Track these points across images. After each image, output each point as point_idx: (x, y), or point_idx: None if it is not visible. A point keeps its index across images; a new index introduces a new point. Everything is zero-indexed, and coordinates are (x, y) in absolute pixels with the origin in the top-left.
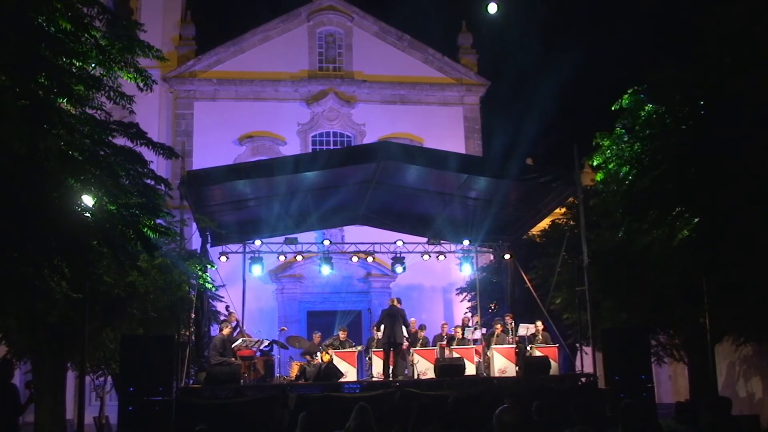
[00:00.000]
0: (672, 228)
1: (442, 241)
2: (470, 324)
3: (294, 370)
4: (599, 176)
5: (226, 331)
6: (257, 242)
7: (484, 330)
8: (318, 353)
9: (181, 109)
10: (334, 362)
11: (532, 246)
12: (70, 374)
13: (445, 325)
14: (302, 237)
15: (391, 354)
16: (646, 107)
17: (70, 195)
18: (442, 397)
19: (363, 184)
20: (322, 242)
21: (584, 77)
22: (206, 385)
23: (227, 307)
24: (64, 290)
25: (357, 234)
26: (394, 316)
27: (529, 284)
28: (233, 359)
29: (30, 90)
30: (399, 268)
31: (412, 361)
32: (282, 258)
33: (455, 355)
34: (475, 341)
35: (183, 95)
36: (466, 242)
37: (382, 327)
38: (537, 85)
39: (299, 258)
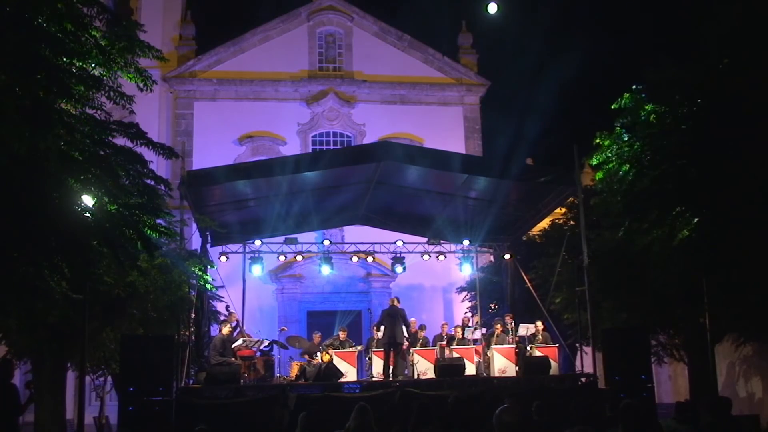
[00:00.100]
0: (672, 228)
1: (442, 241)
2: (470, 324)
3: (294, 370)
4: (599, 175)
5: (226, 331)
6: (257, 242)
7: (484, 330)
8: (318, 353)
9: (181, 109)
10: (334, 362)
11: (532, 246)
12: (70, 374)
13: (445, 325)
14: (302, 237)
15: (392, 354)
16: (646, 107)
17: (70, 195)
18: (442, 397)
19: (363, 184)
20: (322, 242)
21: (584, 77)
22: (206, 385)
23: (227, 307)
24: (64, 290)
25: (357, 234)
26: (394, 316)
27: (529, 284)
28: (233, 359)
29: (30, 90)
30: (399, 268)
31: (412, 361)
32: (282, 258)
33: (455, 355)
34: (475, 341)
35: (183, 95)
36: (466, 242)
37: (383, 327)
38: (537, 85)
39: (299, 258)
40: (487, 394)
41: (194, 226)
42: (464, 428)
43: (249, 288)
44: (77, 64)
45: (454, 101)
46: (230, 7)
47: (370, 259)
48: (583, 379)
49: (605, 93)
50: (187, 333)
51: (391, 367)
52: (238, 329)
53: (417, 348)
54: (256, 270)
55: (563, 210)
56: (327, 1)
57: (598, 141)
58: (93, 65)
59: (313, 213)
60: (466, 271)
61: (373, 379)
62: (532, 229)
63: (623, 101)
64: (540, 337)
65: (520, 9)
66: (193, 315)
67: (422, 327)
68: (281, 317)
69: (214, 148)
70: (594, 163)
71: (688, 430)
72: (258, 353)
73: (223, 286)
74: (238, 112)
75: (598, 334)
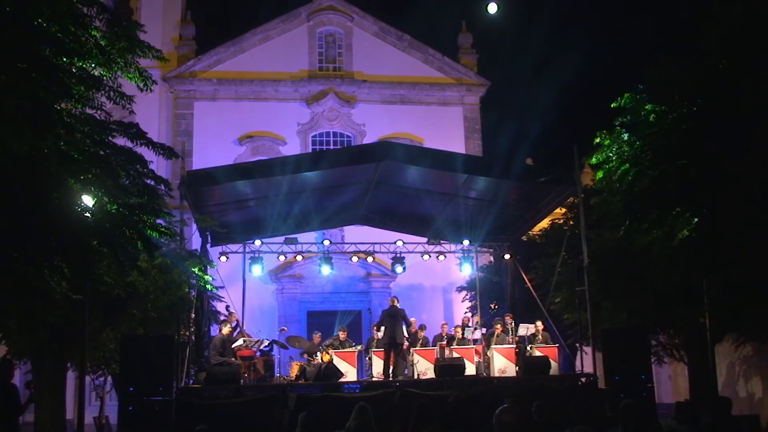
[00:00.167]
0: (672, 228)
1: (442, 241)
2: (470, 324)
3: (294, 370)
4: (600, 174)
5: (226, 331)
6: (257, 242)
7: (484, 330)
8: (318, 353)
9: (181, 109)
10: (334, 362)
11: (532, 246)
12: (70, 374)
13: (445, 325)
14: (302, 237)
15: (392, 354)
16: (646, 106)
17: (70, 195)
18: (442, 397)
19: (363, 184)
20: (322, 242)
21: (584, 77)
22: (206, 385)
23: (227, 307)
24: (64, 290)
25: (357, 234)
26: (394, 316)
27: (529, 284)
28: (233, 359)
29: (30, 90)
30: (399, 268)
31: (412, 361)
32: (282, 258)
33: (455, 355)
34: (475, 341)
35: (183, 95)
36: (466, 242)
37: (383, 327)
38: (537, 85)
39: (299, 258)
40: (487, 394)
41: (194, 226)
42: (464, 428)
43: (249, 288)
44: (77, 64)
45: (454, 101)
46: (230, 7)
47: (370, 259)
48: (583, 379)
49: (605, 93)
50: (187, 333)
51: (391, 367)
52: (238, 329)
53: (417, 348)
54: (256, 270)
55: (563, 210)
56: (327, 1)
57: (598, 140)
58: (93, 65)
59: (313, 213)
60: (466, 271)
61: (373, 379)
62: (532, 229)
63: (623, 101)
64: (540, 337)
65: (520, 9)
66: (193, 315)
67: (422, 327)
68: (281, 317)
69: (214, 148)
70: (594, 163)
71: (688, 430)
72: (258, 353)
73: (223, 287)
74: (238, 112)
75: (598, 334)
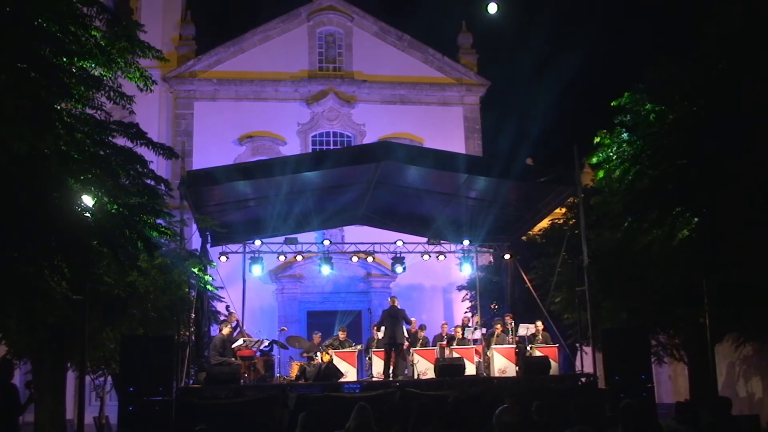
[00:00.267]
0: (672, 228)
1: (442, 241)
2: (470, 324)
3: (294, 370)
4: (601, 174)
5: (226, 331)
6: (257, 242)
7: (484, 330)
8: (318, 353)
9: (181, 109)
10: (334, 362)
11: (532, 246)
12: (70, 374)
13: (445, 325)
14: (302, 237)
15: (392, 354)
16: (646, 106)
17: (70, 195)
18: (442, 397)
19: (363, 184)
20: (322, 242)
21: (584, 77)
22: (206, 385)
23: (227, 307)
24: (64, 290)
25: (357, 234)
26: (395, 316)
27: (529, 284)
28: (233, 359)
29: (30, 90)
30: (399, 268)
31: (412, 361)
32: (282, 258)
33: (455, 355)
34: (475, 341)
35: (183, 95)
36: (466, 242)
37: (383, 327)
38: (537, 85)
39: (299, 258)
40: (487, 394)
41: (194, 226)
42: (464, 428)
43: (249, 288)
44: (77, 64)
45: (454, 101)
46: (230, 7)
47: (370, 259)
48: (583, 379)
49: (605, 93)
50: (187, 333)
51: (391, 368)
52: (238, 329)
53: (417, 348)
54: (256, 270)
55: (563, 210)
56: (327, 1)
57: (598, 140)
58: (93, 65)
59: (313, 213)
60: (466, 271)
61: (373, 379)
62: (532, 229)
63: (623, 100)
64: (540, 337)
65: (520, 9)
66: (193, 315)
67: (422, 327)
68: (281, 317)
69: (214, 148)
70: (594, 162)
71: (688, 430)
72: (258, 353)
73: (223, 287)
74: (238, 112)
75: (598, 334)
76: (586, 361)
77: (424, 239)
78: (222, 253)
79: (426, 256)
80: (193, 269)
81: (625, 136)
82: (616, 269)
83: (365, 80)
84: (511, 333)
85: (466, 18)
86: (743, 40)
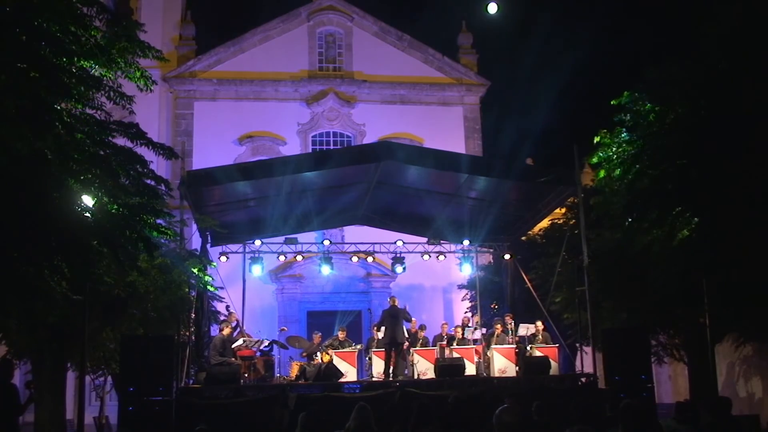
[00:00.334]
0: (672, 228)
1: (442, 241)
2: (470, 324)
3: (294, 370)
4: (602, 173)
5: (226, 331)
6: (257, 242)
7: (484, 330)
8: (318, 353)
9: (181, 109)
10: (334, 362)
11: (532, 246)
12: (70, 374)
13: (445, 325)
14: (302, 237)
15: (393, 354)
16: (646, 106)
17: (70, 195)
18: (442, 397)
19: (363, 184)
20: (322, 242)
21: (584, 77)
22: (206, 385)
23: (227, 307)
24: (64, 290)
25: (357, 234)
26: (395, 316)
27: (529, 284)
28: (233, 359)
29: (30, 90)
30: (399, 268)
31: (412, 361)
32: (282, 258)
33: (455, 355)
34: (475, 341)
35: (183, 95)
36: (466, 242)
37: (383, 327)
38: (537, 84)
39: (299, 258)
40: (487, 394)
41: (194, 226)
42: (464, 428)
43: (249, 288)
44: (77, 64)
45: (454, 101)
46: (230, 7)
47: (370, 259)
48: (583, 379)
49: (605, 93)
50: (187, 333)
51: (391, 367)
52: (238, 329)
53: (417, 348)
54: (256, 270)
55: (563, 210)
56: (327, 1)
57: (598, 140)
58: (93, 65)
59: (313, 213)
60: (466, 271)
61: (373, 379)
62: (532, 229)
63: (622, 99)
64: (540, 337)
65: (520, 9)
66: (193, 315)
67: (422, 327)
68: (281, 317)
69: (214, 148)
70: (594, 162)
71: (688, 430)
72: (258, 353)
73: (223, 287)
74: (238, 112)
75: (598, 334)
76: (586, 361)
77: (424, 239)
78: (222, 253)
79: (426, 256)
80: (193, 269)
81: (624, 135)
82: (616, 269)
83: (365, 80)
84: (511, 333)
85: (466, 18)
86: (743, 40)
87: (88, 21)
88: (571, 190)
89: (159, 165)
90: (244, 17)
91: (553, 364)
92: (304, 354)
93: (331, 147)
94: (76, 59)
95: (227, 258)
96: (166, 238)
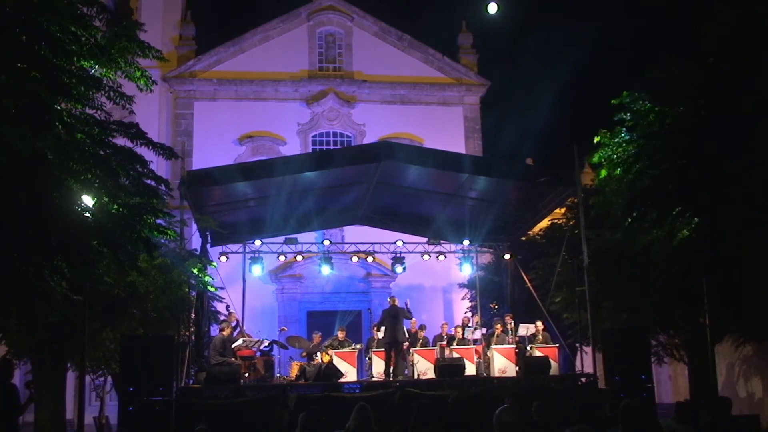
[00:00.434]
0: (672, 228)
1: (442, 241)
2: (470, 324)
3: (294, 370)
4: (603, 172)
5: (226, 332)
6: (257, 242)
7: (484, 330)
8: (318, 353)
9: (181, 109)
10: (334, 362)
11: (532, 246)
12: (70, 374)
13: (445, 325)
14: (302, 237)
15: (393, 353)
16: (645, 106)
17: (70, 195)
18: (442, 397)
19: (363, 184)
20: (322, 242)
21: (584, 77)
22: (206, 385)
23: (227, 307)
24: (64, 290)
25: (357, 234)
26: (395, 316)
27: (529, 284)
28: (233, 359)
29: (30, 90)
30: (399, 268)
31: (412, 361)
32: (282, 258)
33: (455, 355)
34: (475, 341)
35: (183, 95)
36: (466, 242)
37: (383, 327)
38: (537, 84)
39: (299, 258)
40: (487, 394)
41: (194, 226)
42: (464, 428)
43: (249, 288)
44: (77, 64)
45: (454, 101)
46: (230, 7)
47: (370, 259)
48: (583, 379)
49: (605, 93)
50: (187, 333)
51: (392, 367)
52: (238, 329)
53: (417, 348)
54: (256, 270)
55: (563, 210)
56: (327, 1)
57: (598, 139)
58: (93, 65)
59: (313, 213)
60: (466, 271)
61: (373, 379)
62: (532, 229)
63: (622, 100)
64: (540, 337)
65: (520, 9)
66: (193, 315)
67: (422, 327)
68: (281, 317)
69: (214, 148)
70: (595, 161)
71: (688, 430)
72: (258, 353)
73: (223, 287)
74: (238, 112)
75: (598, 334)
76: (586, 361)
77: (424, 239)
78: (222, 253)
79: (426, 256)
80: (193, 269)
81: (624, 135)
82: (616, 269)
83: (365, 80)
84: (511, 333)
85: (466, 18)
86: (743, 40)
87: (88, 21)
88: (571, 190)
89: (159, 165)
90: (244, 17)
91: (553, 364)
92: (304, 354)
93: (331, 147)
94: (76, 59)
95: (227, 258)
96: (166, 238)
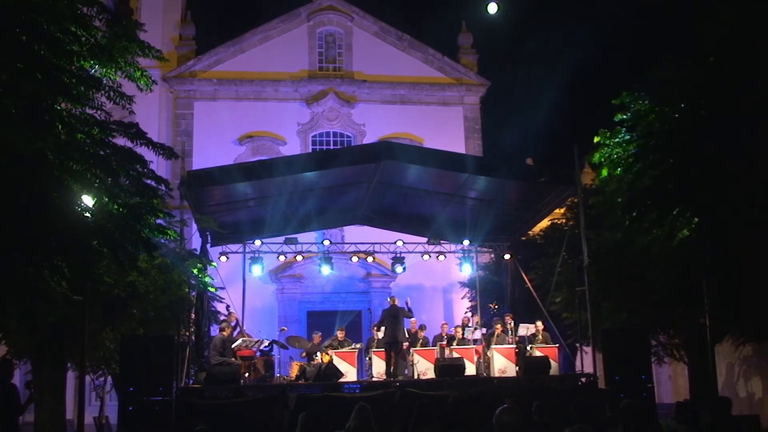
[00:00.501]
0: (672, 228)
1: (442, 241)
2: (470, 324)
3: (294, 370)
4: (605, 172)
5: (226, 332)
6: (257, 242)
7: (484, 330)
8: (318, 353)
9: (181, 109)
10: (334, 362)
11: (532, 246)
12: (70, 374)
13: (445, 325)
14: (302, 237)
15: (393, 353)
16: (644, 106)
17: (70, 195)
18: (442, 397)
19: (363, 184)
20: (322, 242)
21: (584, 77)
22: (206, 385)
23: (227, 307)
24: (64, 290)
25: (357, 234)
26: (395, 316)
27: (529, 284)
28: (233, 359)
29: (30, 90)
30: (399, 268)
31: (412, 361)
32: (282, 258)
33: (455, 355)
34: (475, 341)
35: (183, 95)
36: (466, 242)
37: (383, 327)
38: (537, 84)
39: (299, 258)
40: (487, 394)
41: (194, 226)
42: (464, 428)
43: (249, 288)
44: (77, 64)
45: (454, 101)
46: (230, 7)
47: (370, 259)
48: (583, 379)
49: (605, 93)
50: (187, 333)
51: (392, 367)
52: (238, 329)
53: (417, 348)
54: (256, 270)
55: (563, 210)
56: (327, 1)
57: (598, 139)
58: (94, 65)
59: (313, 213)
60: (466, 271)
61: (373, 379)
62: (532, 229)
63: (623, 100)
64: (540, 337)
65: (520, 9)
66: (193, 315)
67: (422, 327)
68: (281, 317)
69: (214, 148)
70: (595, 161)
71: (688, 430)
72: (258, 353)
73: (223, 287)
74: (238, 112)
75: (598, 334)
76: (586, 361)
77: (424, 239)
78: (222, 253)
79: (426, 256)
80: (193, 269)
81: (624, 135)
82: (616, 269)
83: (365, 80)
84: (511, 333)
85: (466, 18)
86: (743, 40)
87: (88, 21)
88: (571, 190)
89: (159, 165)
90: (244, 17)
91: (553, 364)
92: (304, 354)
93: (331, 147)
94: (76, 59)
95: (227, 258)
96: (166, 238)
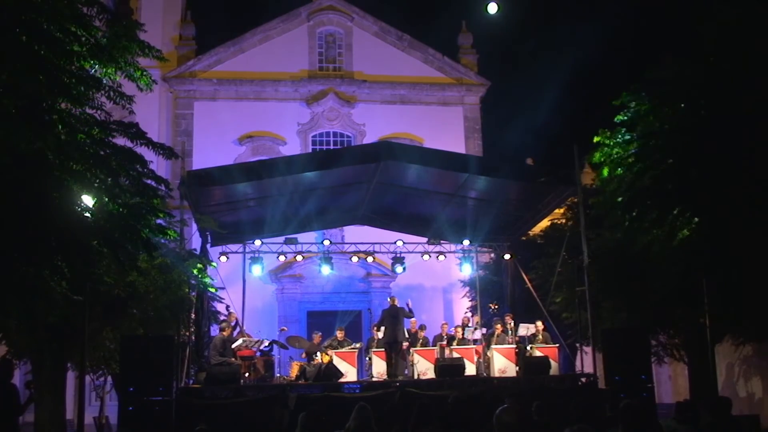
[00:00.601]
0: (672, 228)
1: (442, 241)
2: (470, 324)
3: (294, 370)
4: (605, 171)
5: (226, 332)
6: (257, 242)
7: (484, 330)
8: (318, 353)
9: (181, 109)
10: (334, 362)
11: (532, 246)
12: (70, 374)
13: (445, 325)
14: (302, 237)
15: (393, 354)
16: (644, 106)
17: (70, 195)
18: (442, 397)
19: (363, 184)
20: (322, 242)
21: (585, 77)
22: (206, 385)
23: (227, 307)
24: (64, 290)
25: (357, 234)
26: (395, 316)
27: (529, 284)
28: (233, 359)
29: (30, 90)
30: (399, 268)
31: (412, 361)
32: (282, 258)
33: (455, 355)
34: (475, 341)
35: (183, 95)
36: (466, 242)
37: (383, 327)
38: (537, 85)
39: (299, 258)
40: (487, 394)
41: (194, 226)
42: (464, 428)
43: (249, 288)
44: (77, 64)
45: (454, 101)
46: (230, 7)
47: (370, 259)
48: (583, 379)
49: (606, 93)
50: (187, 333)
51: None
52: (238, 329)
53: (417, 348)
54: (256, 270)
55: (563, 210)
56: (327, 1)
57: (598, 139)
58: (94, 64)
59: (313, 213)
60: (466, 271)
61: (373, 379)
62: (532, 229)
63: (623, 99)
64: (540, 337)
65: (520, 9)
66: (193, 315)
67: (422, 327)
68: (281, 317)
69: (214, 148)
70: (595, 161)
71: (688, 430)
72: (258, 353)
73: (223, 287)
74: (238, 112)
75: (598, 334)
76: (586, 361)
77: (424, 239)
78: (222, 253)
79: (426, 256)
80: (193, 269)
81: (624, 135)
82: (616, 269)
83: (365, 80)
84: (511, 333)
85: (466, 18)
86: (743, 40)
87: (88, 21)
88: (571, 190)
89: (159, 165)
90: (244, 17)
91: (553, 364)
92: (304, 354)
93: (331, 147)
94: (76, 59)
95: (227, 258)
96: (166, 238)
